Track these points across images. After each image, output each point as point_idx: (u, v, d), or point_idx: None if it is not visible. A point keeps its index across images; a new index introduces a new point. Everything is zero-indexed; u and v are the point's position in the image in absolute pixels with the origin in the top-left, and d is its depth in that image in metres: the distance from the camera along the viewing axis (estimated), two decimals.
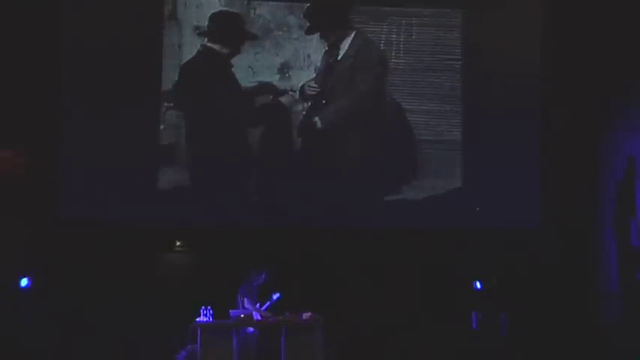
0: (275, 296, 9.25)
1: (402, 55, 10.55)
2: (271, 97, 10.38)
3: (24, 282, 9.47)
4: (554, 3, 10.50)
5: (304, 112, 10.41)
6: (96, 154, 9.93)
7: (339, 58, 10.45)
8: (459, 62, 10.58)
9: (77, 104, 10.01)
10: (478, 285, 10.18)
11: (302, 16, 10.36)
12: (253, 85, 10.33)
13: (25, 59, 9.68)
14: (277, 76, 10.39)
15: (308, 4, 10.40)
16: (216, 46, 10.31)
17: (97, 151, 9.93)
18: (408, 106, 10.53)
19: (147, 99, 10.17)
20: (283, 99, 10.38)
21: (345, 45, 10.45)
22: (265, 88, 10.35)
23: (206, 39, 10.31)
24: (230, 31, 10.32)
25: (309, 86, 10.37)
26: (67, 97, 10.01)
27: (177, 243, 10.54)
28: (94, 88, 9.99)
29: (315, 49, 10.43)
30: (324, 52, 10.42)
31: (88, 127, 9.96)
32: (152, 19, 10.27)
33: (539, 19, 10.59)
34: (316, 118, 10.39)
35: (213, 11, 10.31)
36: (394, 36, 10.54)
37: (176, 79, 10.24)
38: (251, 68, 10.36)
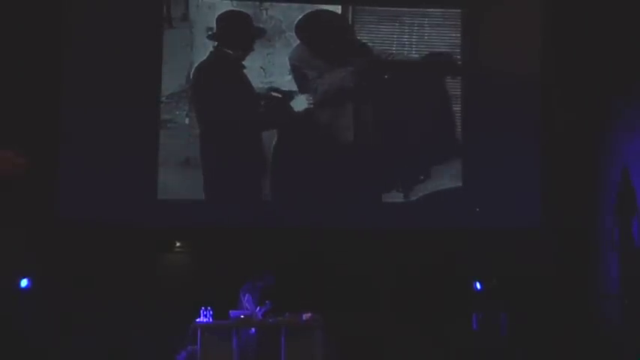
0: (267, 304, 9.24)
1: (402, 54, 10.58)
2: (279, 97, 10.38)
3: (24, 282, 9.47)
4: (554, 3, 10.50)
5: (311, 112, 10.43)
6: (96, 155, 9.93)
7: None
8: (459, 62, 10.58)
9: (77, 104, 10.00)
10: (478, 285, 10.17)
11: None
12: (266, 86, 10.34)
13: (26, 59, 9.68)
14: (289, 77, 10.40)
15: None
16: (226, 48, 10.30)
17: (97, 152, 9.93)
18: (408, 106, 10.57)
19: (148, 99, 10.16)
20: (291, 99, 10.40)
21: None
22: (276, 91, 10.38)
23: (217, 42, 10.32)
24: (238, 31, 10.33)
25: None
26: (67, 98, 10.01)
27: (177, 243, 10.54)
28: (94, 88, 9.98)
29: None
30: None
31: (88, 127, 9.95)
32: (154, 21, 10.26)
33: (539, 19, 10.59)
34: (323, 117, 10.42)
35: (220, 13, 10.32)
36: (395, 36, 10.55)
37: (190, 80, 10.25)
38: (263, 69, 10.37)
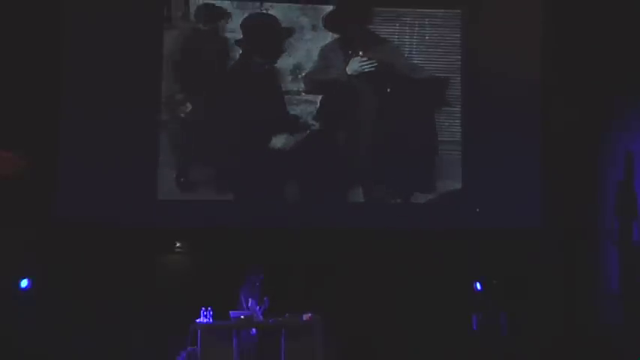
0: (266, 301, 9.23)
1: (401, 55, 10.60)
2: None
3: (24, 283, 9.46)
4: (554, 3, 10.51)
5: (307, 113, 10.43)
6: (95, 155, 9.92)
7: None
8: (459, 62, 10.58)
9: (77, 105, 9.99)
10: (478, 286, 10.17)
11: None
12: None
13: (26, 60, 9.68)
14: (289, 77, 10.39)
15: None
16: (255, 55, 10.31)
17: (96, 152, 9.92)
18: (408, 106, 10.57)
19: (148, 99, 10.16)
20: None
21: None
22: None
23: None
24: (264, 38, 10.32)
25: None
26: (67, 98, 10.00)
27: (177, 244, 10.54)
28: (94, 88, 9.98)
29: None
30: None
31: (87, 127, 9.94)
32: (154, 21, 10.25)
33: (539, 20, 10.59)
34: (321, 119, 10.43)
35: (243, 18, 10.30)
36: (396, 37, 10.55)
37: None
38: None
